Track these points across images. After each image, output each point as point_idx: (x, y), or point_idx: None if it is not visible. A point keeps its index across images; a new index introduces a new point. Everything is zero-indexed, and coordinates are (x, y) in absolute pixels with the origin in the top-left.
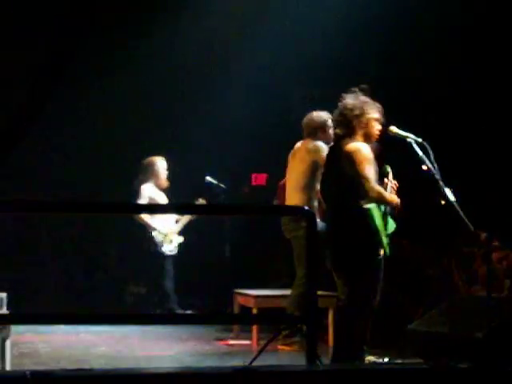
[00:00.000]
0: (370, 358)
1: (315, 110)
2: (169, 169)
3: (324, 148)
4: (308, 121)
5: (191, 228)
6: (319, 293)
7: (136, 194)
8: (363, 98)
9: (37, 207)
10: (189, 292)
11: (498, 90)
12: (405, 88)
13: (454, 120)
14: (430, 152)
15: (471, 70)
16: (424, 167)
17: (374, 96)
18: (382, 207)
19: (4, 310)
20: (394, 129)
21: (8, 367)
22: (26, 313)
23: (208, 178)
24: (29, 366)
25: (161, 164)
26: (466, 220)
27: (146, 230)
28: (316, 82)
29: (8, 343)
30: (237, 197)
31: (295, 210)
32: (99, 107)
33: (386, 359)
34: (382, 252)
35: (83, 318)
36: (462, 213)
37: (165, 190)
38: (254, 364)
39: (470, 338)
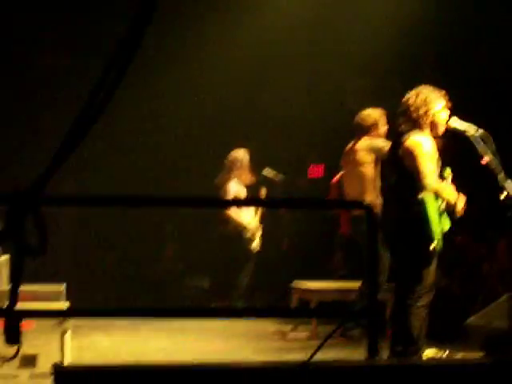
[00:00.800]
0: (431, 351)
1: (368, 101)
2: None
3: (380, 145)
4: (360, 120)
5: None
6: None
7: (222, 190)
8: (426, 91)
9: (115, 201)
10: (247, 284)
11: None
12: (464, 79)
13: None
14: (493, 144)
15: None
16: (483, 161)
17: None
18: (440, 202)
19: (63, 302)
20: (452, 123)
21: (68, 360)
22: (86, 307)
23: (266, 170)
24: (88, 359)
25: (245, 158)
26: None
27: (232, 226)
28: (370, 73)
29: (68, 336)
30: (293, 189)
31: (355, 205)
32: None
33: (447, 352)
34: (433, 245)
35: (141, 311)
36: None
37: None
38: (315, 359)
39: None
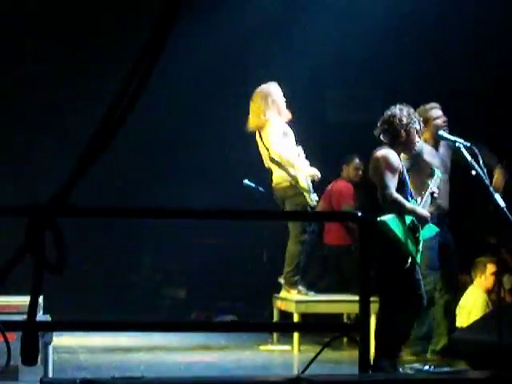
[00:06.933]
0: (415, 366)
1: (348, 112)
2: None
3: None
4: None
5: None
6: (354, 298)
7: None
8: (408, 109)
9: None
10: (228, 296)
11: None
12: (444, 90)
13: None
14: (480, 157)
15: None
16: (473, 172)
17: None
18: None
19: (46, 315)
20: (442, 133)
21: (50, 373)
22: (66, 320)
23: (246, 181)
24: (70, 371)
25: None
26: None
27: None
28: (349, 84)
29: (50, 348)
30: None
31: (348, 217)
32: None
33: (431, 367)
34: (409, 261)
35: (125, 325)
36: (511, 218)
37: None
38: (307, 373)
39: None
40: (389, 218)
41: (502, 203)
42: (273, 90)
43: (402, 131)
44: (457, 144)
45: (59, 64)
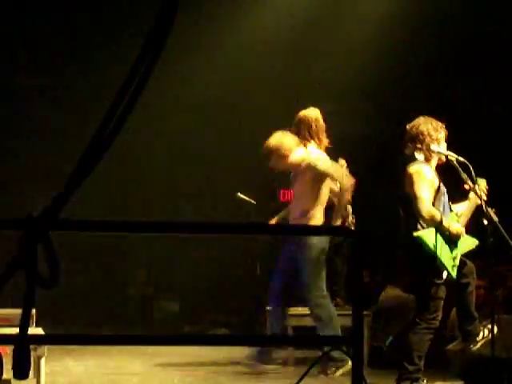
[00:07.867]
0: None
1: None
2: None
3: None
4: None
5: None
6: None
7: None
8: (431, 120)
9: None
10: (221, 309)
11: None
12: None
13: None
14: (472, 171)
15: None
16: (466, 186)
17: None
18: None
19: (38, 328)
20: (435, 148)
21: None
22: (59, 333)
23: (239, 194)
24: None
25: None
26: (509, 240)
27: None
28: (344, 97)
29: (43, 362)
30: (265, 213)
31: (342, 232)
32: None
33: (425, 380)
34: (444, 275)
35: (118, 339)
36: (504, 233)
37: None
38: None
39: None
40: (425, 233)
41: (495, 218)
42: (310, 116)
43: (435, 146)
44: (449, 157)
45: (56, 76)
